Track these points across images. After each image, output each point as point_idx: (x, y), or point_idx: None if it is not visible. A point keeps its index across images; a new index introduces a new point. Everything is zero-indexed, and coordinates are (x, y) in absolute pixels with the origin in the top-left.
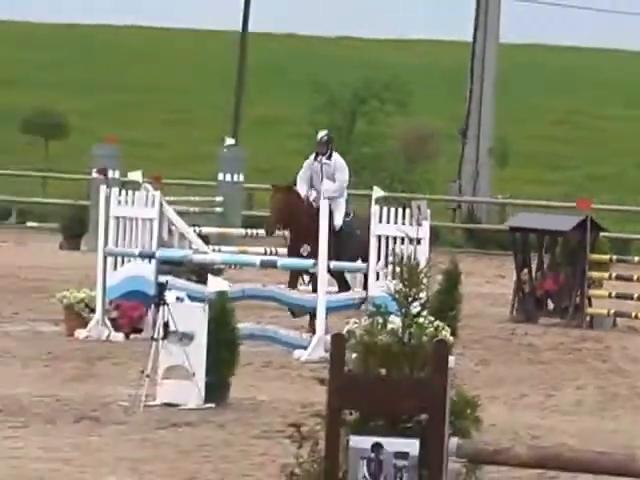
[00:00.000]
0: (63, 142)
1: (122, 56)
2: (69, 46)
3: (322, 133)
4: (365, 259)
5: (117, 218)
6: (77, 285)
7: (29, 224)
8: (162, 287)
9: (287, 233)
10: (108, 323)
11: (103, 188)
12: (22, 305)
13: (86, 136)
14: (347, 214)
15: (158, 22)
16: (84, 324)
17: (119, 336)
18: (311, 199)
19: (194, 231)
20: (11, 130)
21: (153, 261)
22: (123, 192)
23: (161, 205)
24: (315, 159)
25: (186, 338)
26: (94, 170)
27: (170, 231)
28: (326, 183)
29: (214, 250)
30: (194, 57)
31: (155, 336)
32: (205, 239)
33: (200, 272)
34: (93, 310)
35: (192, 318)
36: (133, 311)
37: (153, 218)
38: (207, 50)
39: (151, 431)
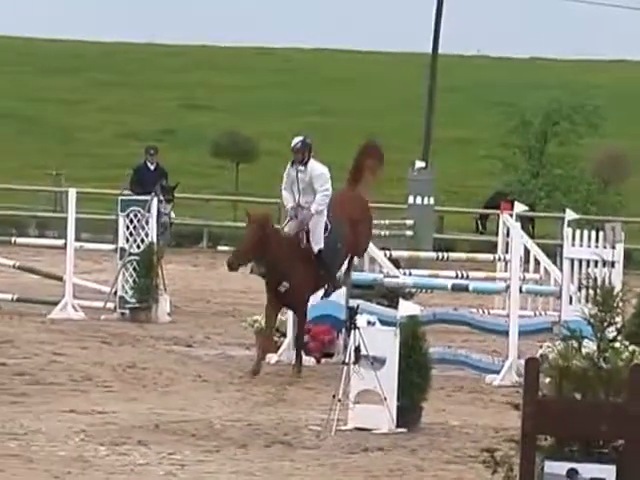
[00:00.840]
0: (253, 165)
1: (315, 80)
2: (263, 70)
3: (296, 140)
4: (349, 266)
5: None
6: None
7: (220, 248)
8: (353, 311)
9: (255, 267)
10: None
11: None
12: (213, 329)
13: (277, 159)
14: (325, 228)
15: (351, 45)
16: (275, 348)
17: (310, 360)
18: (299, 218)
19: (385, 254)
20: (202, 154)
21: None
22: None
23: None
24: (292, 165)
25: (377, 362)
26: None
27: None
28: (313, 202)
29: (405, 274)
30: (386, 80)
31: (346, 360)
32: (395, 262)
33: (391, 296)
34: (284, 334)
35: (383, 342)
36: (324, 335)
37: None
38: (399, 73)
39: (343, 456)
